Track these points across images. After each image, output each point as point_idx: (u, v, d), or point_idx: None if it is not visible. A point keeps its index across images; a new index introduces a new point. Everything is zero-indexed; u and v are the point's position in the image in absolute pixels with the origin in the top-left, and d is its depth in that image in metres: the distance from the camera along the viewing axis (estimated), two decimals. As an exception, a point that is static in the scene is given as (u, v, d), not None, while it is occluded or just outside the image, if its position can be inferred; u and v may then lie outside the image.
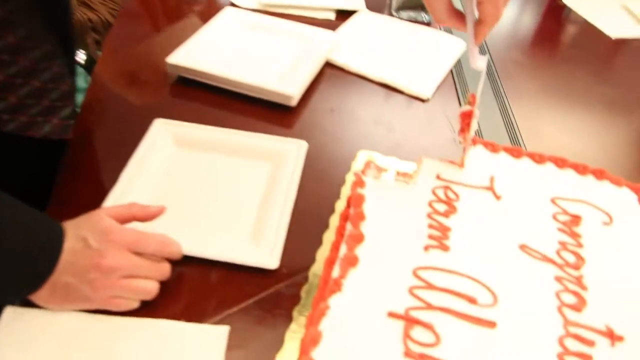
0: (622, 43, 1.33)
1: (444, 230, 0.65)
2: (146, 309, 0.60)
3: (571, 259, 0.64)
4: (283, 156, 0.81)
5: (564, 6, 1.45)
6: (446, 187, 0.71)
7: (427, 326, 0.55)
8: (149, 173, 0.76)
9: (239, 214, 0.73)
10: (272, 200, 0.74)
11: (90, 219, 0.59)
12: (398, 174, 0.74)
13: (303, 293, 0.65)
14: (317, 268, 0.68)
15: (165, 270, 0.62)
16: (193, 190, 0.76)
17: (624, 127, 1.04)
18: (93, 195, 0.71)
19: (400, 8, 1.26)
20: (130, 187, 0.72)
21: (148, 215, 0.65)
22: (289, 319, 0.62)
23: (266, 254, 0.67)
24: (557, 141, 0.97)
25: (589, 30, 1.36)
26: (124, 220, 0.62)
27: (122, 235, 0.59)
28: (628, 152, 0.99)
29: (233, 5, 1.18)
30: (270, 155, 0.81)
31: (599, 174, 0.76)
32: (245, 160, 0.81)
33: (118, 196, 0.70)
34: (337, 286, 0.57)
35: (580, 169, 0.76)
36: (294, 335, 0.61)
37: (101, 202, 0.69)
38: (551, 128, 1.00)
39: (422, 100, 1.01)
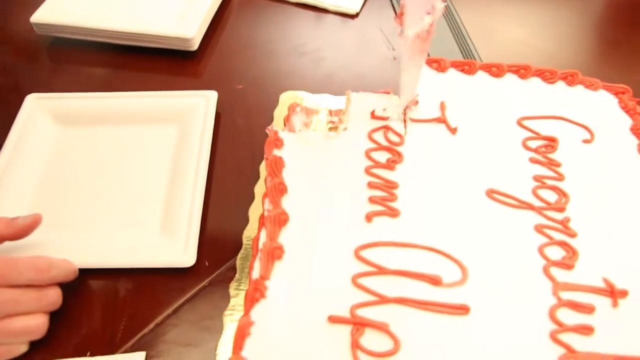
0: None
1: (390, 187, 0.51)
2: (39, 350, 0.49)
3: (552, 197, 0.52)
4: (189, 114, 0.66)
5: None
6: (385, 128, 0.56)
7: (381, 328, 0.42)
8: (27, 166, 0.61)
9: (143, 202, 0.59)
10: (182, 178, 0.59)
11: None
12: (331, 113, 0.60)
13: (232, 290, 0.52)
14: (245, 254, 0.54)
15: (52, 298, 0.49)
16: (83, 179, 0.61)
17: (581, 8, 0.91)
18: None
19: None
20: (3, 188, 0.58)
21: (18, 232, 0.51)
22: (219, 328, 0.49)
23: (179, 250, 0.54)
24: (514, 40, 0.83)
25: None
26: None
27: None
28: (590, 36, 0.87)
29: None
30: (174, 116, 0.66)
31: (571, 79, 0.62)
32: (144, 128, 0.66)
33: None
34: (259, 292, 0.44)
35: (548, 76, 0.63)
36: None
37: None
38: (504, 26, 0.86)
39: (352, 17, 0.85)
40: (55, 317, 0.49)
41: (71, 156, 0.63)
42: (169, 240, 0.54)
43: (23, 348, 0.48)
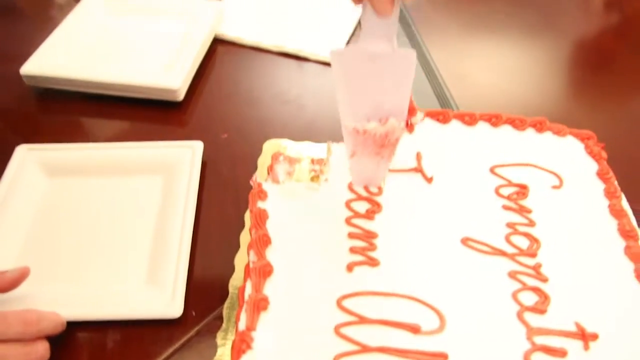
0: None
1: (369, 237, 0.53)
2: None
3: (524, 243, 0.54)
4: (176, 164, 0.67)
5: None
6: (365, 178, 0.59)
7: (364, 376, 0.43)
8: (16, 217, 0.62)
9: (130, 253, 0.59)
10: (168, 228, 0.60)
11: None
12: (313, 162, 0.63)
13: (219, 340, 0.52)
14: (231, 303, 0.55)
15: (40, 352, 0.49)
16: (72, 230, 0.62)
17: (549, 52, 0.95)
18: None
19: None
20: None
21: (5, 285, 0.51)
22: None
23: (166, 299, 0.54)
24: (486, 84, 0.87)
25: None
26: None
27: None
28: (558, 79, 0.90)
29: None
30: (161, 166, 0.67)
31: (539, 126, 0.65)
32: (131, 178, 0.67)
33: None
34: (245, 343, 0.45)
35: (518, 124, 0.66)
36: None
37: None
38: (477, 71, 0.89)
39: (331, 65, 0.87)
40: None
41: (59, 207, 0.64)
42: (156, 291, 0.55)
43: None
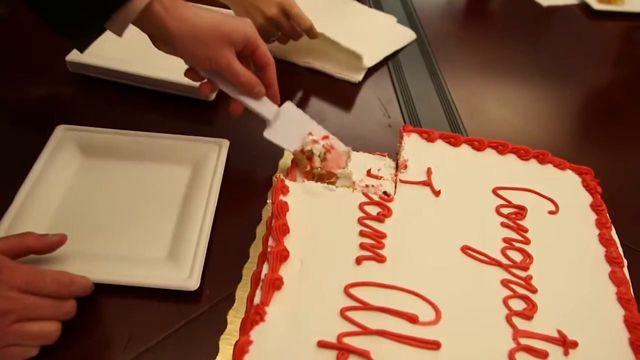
0: (553, 10, 1.30)
1: (379, 237, 0.58)
2: (46, 354, 0.52)
3: (518, 257, 0.59)
4: (203, 158, 0.72)
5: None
6: (379, 186, 0.64)
7: (363, 354, 0.48)
8: (51, 189, 0.67)
9: (154, 230, 0.64)
10: (191, 212, 0.65)
11: None
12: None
13: (229, 317, 0.57)
14: (244, 286, 0.60)
15: (68, 308, 0.53)
16: (102, 205, 0.67)
17: (561, 97, 1.01)
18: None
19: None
20: (28, 207, 0.63)
21: (45, 247, 0.56)
22: (215, 351, 0.54)
23: (185, 274, 0.59)
24: (498, 118, 0.93)
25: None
26: (16, 254, 0.54)
27: (12, 274, 0.50)
28: (567, 122, 0.96)
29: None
30: (189, 158, 0.73)
31: (542, 158, 0.71)
32: (161, 166, 0.72)
33: (12, 219, 0.61)
34: (259, 316, 0.50)
35: (522, 154, 0.71)
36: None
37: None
38: (490, 105, 0.95)
39: (355, 85, 0.94)
40: (66, 325, 0.53)
41: (92, 185, 0.69)
42: (176, 266, 0.59)
43: (34, 352, 0.51)
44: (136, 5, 0.57)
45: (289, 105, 0.71)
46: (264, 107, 0.68)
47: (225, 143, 0.74)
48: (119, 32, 0.61)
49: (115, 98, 0.84)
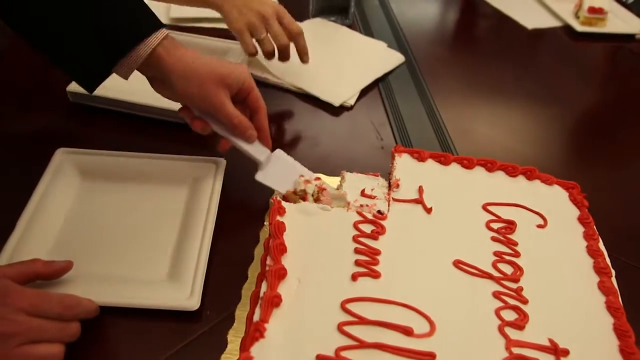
0: (538, 33, 1.34)
1: (373, 254, 0.60)
2: None
3: (509, 270, 0.61)
4: (200, 177, 0.74)
5: (481, 0, 1.45)
6: (373, 206, 0.66)
7: (361, 367, 0.50)
8: (52, 213, 0.68)
9: (154, 250, 0.66)
10: (190, 232, 0.67)
11: None
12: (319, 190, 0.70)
13: (230, 337, 0.59)
14: (243, 306, 0.62)
15: (73, 331, 0.55)
16: (102, 227, 0.69)
17: (548, 116, 1.04)
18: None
19: (320, 13, 1.21)
20: (31, 231, 0.65)
21: (53, 273, 0.58)
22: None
23: (185, 294, 0.60)
24: (485, 137, 0.95)
25: (507, 23, 1.36)
26: (24, 280, 0.55)
27: (19, 297, 0.52)
28: (553, 141, 0.98)
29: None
30: (186, 178, 0.74)
31: (530, 174, 0.73)
32: (159, 186, 0.74)
33: (15, 243, 0.63)
34: (259, 332, 0.51)
35: (510, 170, 0.73)
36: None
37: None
38: (479, 126, 0.98)
39: (347, 109, 0.97)
40: (68, 347, 0.54)
41: (91, 206, 0.71)
42: (177, 286, 0.61)
43: None
44: (142, 51, 0.61)
45: (280, 152, 0.73)
46: (256, 150, 0.71)
47: (222, 162, 0.76)
48: (126, 76, 0.64)
49: (116, 124, 0.86)
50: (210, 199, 0.71)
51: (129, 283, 0.62)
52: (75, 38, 0.61)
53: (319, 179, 0.72)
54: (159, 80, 0.66)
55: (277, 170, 0.71)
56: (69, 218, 0.69)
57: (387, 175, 0.73)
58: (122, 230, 0.68)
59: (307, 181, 0.70)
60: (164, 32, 0.63)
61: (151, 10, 0.64)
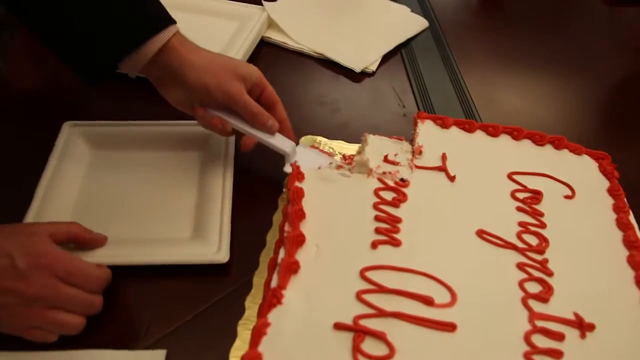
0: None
1: (394, 221, 0.59)
2: (68, 336, 0.53)
3: (534, 241, 0.59)
4: (213, 141, 0.73)
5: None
6: (395, 173, 0.64)
7: (379, 336, 0.49)
8: (67, 183, 0.67)
9: (175, 213, 0.65)
10: (209, 195, 0.66)
11: (22, 232, 0.52)
12: (345, 158, 0.69)
13: (247, 303, 0.58)
14: (261, 272, 0.61)
15: (96, 305, 0.54)
16: (120, 195, 0.67)
17: (579, 86, 0.99)
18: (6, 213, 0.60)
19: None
20: (48, 202, 0.64)
21: (91, 241, 0.58)
22: (233, 335, 0.55)
23: (212, 249, 0.60)
24: (512, 107, 0.92)
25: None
26: (63, 240, 0.55)
27: (55, 261, 0.52)
28: (584, 112, 0.94)
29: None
30: (198, 143, 0.73)
31: (558, 143, 0.71)
32: (172, 153, 0.72)
33: (35, 213, 0.62)
34: (276, 299, 0.51)
35: (538, 139, 0.71)
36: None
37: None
38: (504, 93, 0.95)
39: (369, 75, 0.94)
40: None
41: (105, 175, 0.69)
42: (204, 241, 0.60)
43: (53, 338, 0.52)
44: (158, 41, 0.60)
45: (302, 146, 0.72)
46: (281, 141, 0.68)
47: None
48: (132, 74, 0.63)
49: (127, 90, 0.80)
50: (225, 160, 0.70)
51: (153, 243, 0.61)
52: (92, 27, 0.59)
53: (350, 158, 0.70)
54: (170, 78, 0.63)
55: (305, 160, 0.68)
56: (84, 187, 0.68)
57: (410, 142, 0.71)
58: (139, 195, 0.67)
59: (340, 166, 0.67)
60: (176, 26, 0.62)
61: (164, 6, 0.63)
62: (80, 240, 0.57)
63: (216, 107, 0.65)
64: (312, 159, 0.69)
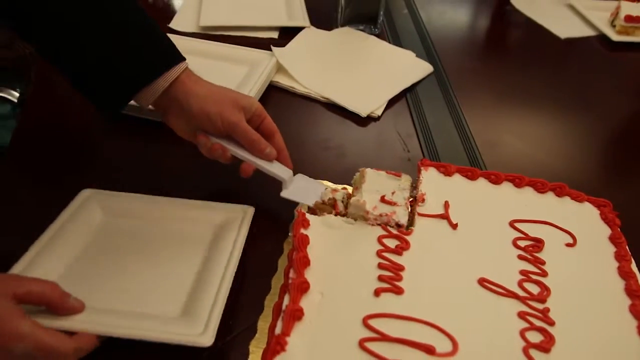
0: (572, 43, 1.31)
1: (397, 269, 0.60)
2: None
3: (535, 290, 0.60)
4: (227, 224, 0.70)
5: (513, 9, 1.43)
6: (392, 214, 0.66)
7: (382, 385, 0.49)
8: (69, 243, 0.66)
9: (172, 289, 0.63)
10: (209, 274, 0.64)
11: None
12: (349, 197, 0.70)
13: (252, 347, 0.59)
14: (266, 317, 0.62)
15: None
16: (119, 263, 0.65)
17: (581, 129, 1.02)
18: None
19: (348, 22, 1.21)
20: (43, 256, 0.63)
21: (63, 309, 0.54)
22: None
23: (198, 329, 0.56)
24: (515, 150, 0.94)
25: (539, 32, 1.34)
26: (31, 302, 0.52)
27: (10, 341, 0.48)
28: (585, 155, 0.96)
29: (171, 30, 1.11)
30: (211, 223, 0.71)
31: (559, 190, 0.72)
32: (183, 228, 0.70)
33: (26, 265, 0.61)
34: (280, 346, 0.51)
35: (539, 186, 0.72)
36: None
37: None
38: (508, 137, 0.96)
39: (374, 119, 0.96)
40: None
41: (111, 242, 0.67)
42: (189, 322, 0.57)
43: None
44: (169, 76, 0.65)
45: (301, 175, 0.75)
46: (278, 168, 0.71)
47: (250, 210, 0.71)
48: (147, 103, 0.67)
49: (146, 132, 0.86)
50: (235, 240, 0.67)
51: (140, 316, 0.58)
52: (109, 60, 0.63)
53: (345, 188, 0.72)
54: (176, 108, 0.68)
55: (302, 187, 0.72)
56: (84, 252, 0.66)
57: (411, 185, 0.72)
58: (139, 267, 0.65)
59: (334, 190, 0.71)
60: (186, 62, 0.68)
61: (174, 43, 0.68)
62: (52, 306, 0.53)
63: (217, 135, 0.69)
64: (311, 184, 0.74)
